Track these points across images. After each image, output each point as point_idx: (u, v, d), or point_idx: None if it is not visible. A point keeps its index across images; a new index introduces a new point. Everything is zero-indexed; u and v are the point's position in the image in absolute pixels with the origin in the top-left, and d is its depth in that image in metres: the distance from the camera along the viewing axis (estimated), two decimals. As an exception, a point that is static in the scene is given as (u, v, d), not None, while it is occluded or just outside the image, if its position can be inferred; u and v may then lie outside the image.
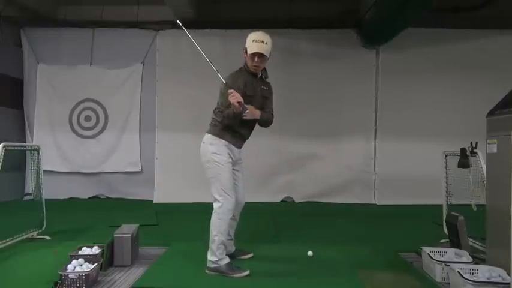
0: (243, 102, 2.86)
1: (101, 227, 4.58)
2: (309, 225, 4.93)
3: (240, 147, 3.22)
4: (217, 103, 3.16)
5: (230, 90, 2.87)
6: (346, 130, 6.61)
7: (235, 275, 2.97)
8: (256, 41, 3.00)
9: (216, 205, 3.07)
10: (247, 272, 3.00)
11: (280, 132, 6.42)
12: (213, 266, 3.04)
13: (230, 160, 3.12)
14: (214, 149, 3.09)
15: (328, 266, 3.25)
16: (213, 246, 3.03)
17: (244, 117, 2.92)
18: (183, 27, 3.17)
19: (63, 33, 6.84)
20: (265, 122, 3.22)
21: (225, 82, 3.00)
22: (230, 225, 3.29)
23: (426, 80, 6.46)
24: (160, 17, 6.59)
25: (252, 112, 2.96)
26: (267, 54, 3.04)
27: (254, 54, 3.01)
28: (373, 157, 6.63)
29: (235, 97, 2.83)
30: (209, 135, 3.14)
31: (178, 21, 3.27)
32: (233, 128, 3.09)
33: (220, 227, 3.03)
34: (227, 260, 3.07)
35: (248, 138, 3.26)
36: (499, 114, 2.91)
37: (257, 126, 3.28)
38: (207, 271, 3.05)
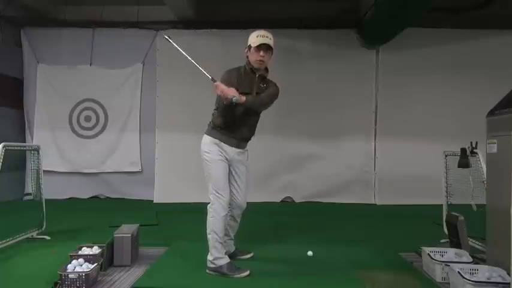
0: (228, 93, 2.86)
1: (101, 227, 4.57)
2: (309, 225, 4.92)
3: (234, 146, 3.12)
4: (216, 104, 3.15)
5: (216, 83, 2.90)
6: (346, 130, 6.61)
7: (235, 275, 2.96)
8: (260, 36, 3.04)
9: (209, 204, 3.07)
10: (247, 273, 2.99)
11: (280, 132, 6.45)
12: (212, 265, 3.03)
13: (220, 158, 3.08)
14: (205, 147, 3.11)
15: (328, 266, 3.25)
16: (208, 245, 3.05)
17: (235, 102, 2.87)
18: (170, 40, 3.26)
19: (63, 33, 6.85)
20: (256, 106, 3.10)
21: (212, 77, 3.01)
22: (230, 226, 3.29)
23: (426, 80, 6.45)
24: (160, 17, 6.59)
25: (227, 93, 2.87)
26: (272, 47, 3.06)
27: (260, 47, 3.02)
28: (373, 157, 6.64)
29: (221, 89, 2.87)
30: (204, 135, 3.17)
31: (166, 37, 3.34)
32: (221, 126, 3.09)
33: (213, 225, 3.02)
34: (227, 260, 3.05)
35: (244, 137, 3.18)
36: (499, 114, 2.91)
37: (257, 127, 3.25)
38: (207, 271, 3.05)
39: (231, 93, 2.87)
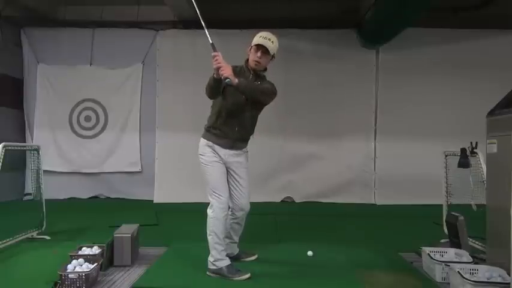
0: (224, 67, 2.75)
1: (101, 227, 4.57)
2: (309, 225, 4.92)
3: (228, 147, 3.08)
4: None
5: (216, 53, 2.75)
6: (346, 130, 6.61)
7: (235, 278, 2.93)
8: (262, 37, 3.01)
9: (208, 205, 3.05)
10: (248, 275, 2.94)
11: (280, 132, 6.46)
12: (212, 267, 3.01)
13: (215, 159, 3.06)
14: (199, 150, 3.11)
15: (328, 266, 3.25)
16: (209, 246, 3.03)
17: (227, 83, 2.77)
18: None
19: (63, 33, 6.85)
20: (251, 92, 2.95)
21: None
22: (234, 229, 3.27)
23: (426, 80, 6.45)
24: (160, 17, 6.60)
25: (224, 68, 2.75)
26: (271, 52, 3.02)
27: (258, 47, 2.99)
28: (373, 157, 6.64)
29: (218, 61, 2.74)
30: (201, 138, 3.17)
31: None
32: (214, 125, 3.07)
33: (212, 227, 2.99)
34: (227, 262, 3.01)
35: (238, 137, 3.11)
36: (499, 114, 2.91)
37: (258, 127, 3.23)
38: (208, 273, 3.02)
39: (227, 70, 2.74)
